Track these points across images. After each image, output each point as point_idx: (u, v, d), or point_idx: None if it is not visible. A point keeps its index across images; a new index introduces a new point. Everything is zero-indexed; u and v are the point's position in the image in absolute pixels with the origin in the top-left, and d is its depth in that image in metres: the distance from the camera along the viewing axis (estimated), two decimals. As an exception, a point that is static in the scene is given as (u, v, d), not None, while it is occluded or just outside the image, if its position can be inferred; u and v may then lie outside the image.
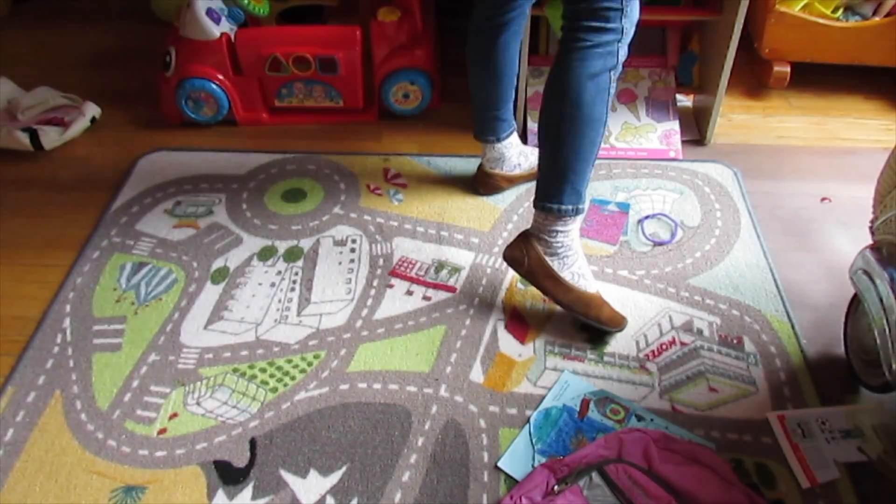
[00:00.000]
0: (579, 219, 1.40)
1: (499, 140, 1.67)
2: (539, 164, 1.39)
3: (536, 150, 1.75)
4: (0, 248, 1.63)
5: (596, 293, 1.44)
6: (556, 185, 1.36)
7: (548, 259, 1.41)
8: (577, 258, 1.42)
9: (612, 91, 1.30)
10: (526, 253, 1.43)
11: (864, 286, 1.24)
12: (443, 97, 2.06)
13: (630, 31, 1.27)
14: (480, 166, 1.75)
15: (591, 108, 1.28)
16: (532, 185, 1.78)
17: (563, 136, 1.31)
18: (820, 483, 1.21)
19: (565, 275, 1.41)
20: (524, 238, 1.44)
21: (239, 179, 1.81)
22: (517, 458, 1.24)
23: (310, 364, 1.40)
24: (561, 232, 1.39)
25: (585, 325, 1.45)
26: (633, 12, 1.26)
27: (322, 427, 1.29)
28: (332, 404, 1.33)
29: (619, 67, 1.29)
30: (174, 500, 1.19)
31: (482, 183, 1.75)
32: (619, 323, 1.43)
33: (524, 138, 1.90)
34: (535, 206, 1.40)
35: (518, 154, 1.72)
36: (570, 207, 1.36)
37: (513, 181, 1.75)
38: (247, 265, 1.59)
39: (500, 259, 1.59)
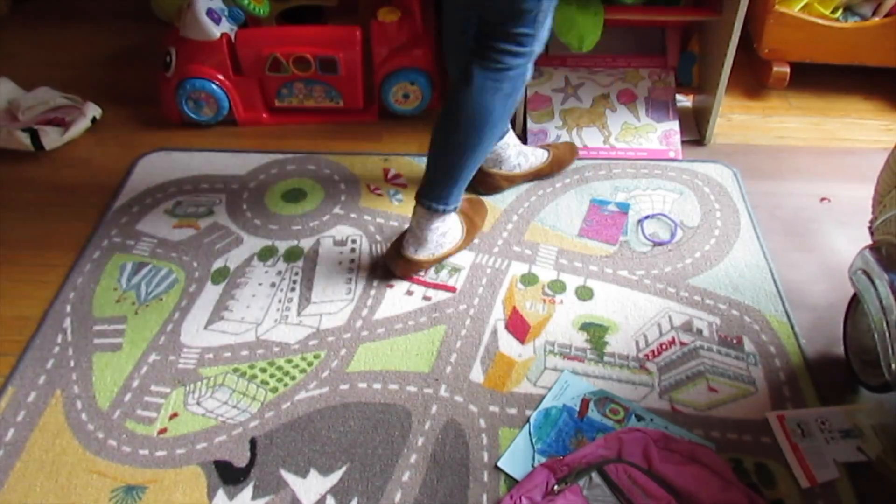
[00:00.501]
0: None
1: None
2: (431, 164, 1.45)
3: (536, 150, 1.74)
4: (0, 248, 1.64)
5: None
6: (446, 187, 1.44)
7: (416, 252, 1.51)
8: (446, 245, 1.54)
9: (518, 100, 1.40)
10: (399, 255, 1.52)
11: (864, 286, 1.24)
12: (443, 97, 2.06)
13: (538, 50, 1.32)
14: (480, 166, 1.75)
15: (497, 124, 1.37)
16: (533, 185, 1.78)
17: (464, 145, 1.39)
18: (819, 483, 1.21)
19: (424, 255, 1.51)
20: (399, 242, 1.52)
21: (239, 179, 1.81)
22: (517, 458, 1.24)
23: (310, 364, 1.40)
24: (440, 227, 1.49)
25: (585, 325, 1.46)
26: (544, 33, 1.30)
27: (322, 427, 1.29)
28: (332, 404, 1.33)
29: (529, 79, 1.36)
30: (174, 500, 1.19)
31: (482, 182, 1.75)
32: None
33: (524, 138, 1.90)
34: (418, 202, 1.46)
35: (517, 154, 1.72)
36: (452, 207, 1.47)
37: (513, 181, 1.75)
38: (247, 265, 1.59)
39: (500, 259, 1.59)
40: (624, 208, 1.73)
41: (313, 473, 1.23)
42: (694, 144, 1.93)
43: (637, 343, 1.44)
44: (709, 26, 1.89)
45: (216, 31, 1.84)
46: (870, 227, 1.35)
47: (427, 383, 1.36)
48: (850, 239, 1.65)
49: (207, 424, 1.30)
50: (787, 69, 2.00)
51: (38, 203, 1.75)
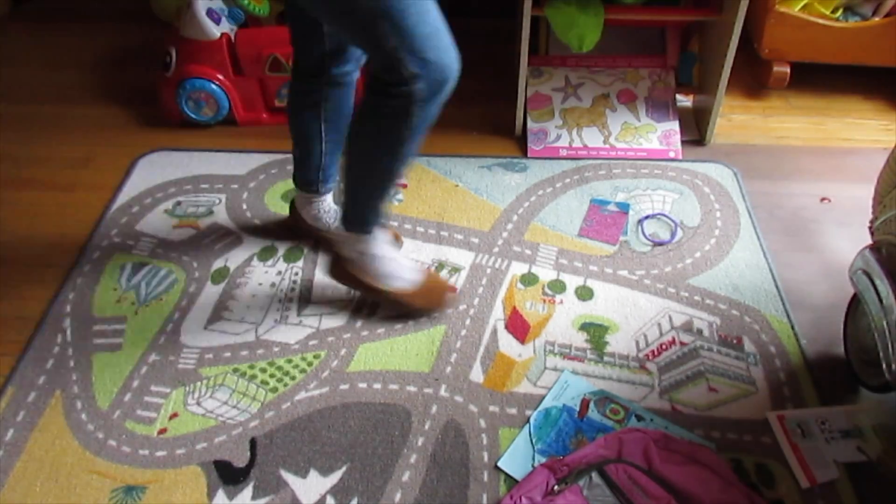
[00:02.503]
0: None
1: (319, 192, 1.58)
2: (351, 196, 1.35)
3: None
4: (0, 248, 1.64)
5: (406, 290, 1.43)
6: (371, 210, 1.34)
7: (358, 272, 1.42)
8: (383, 262, 1.41)
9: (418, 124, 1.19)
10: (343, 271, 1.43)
11: (864, 286, 1.24)
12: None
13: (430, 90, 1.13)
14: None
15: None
16: (533, 185, 1.78)
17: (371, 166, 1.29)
18: (819, 483, 1.21)
19: (370, 280, 1.41)
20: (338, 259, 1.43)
21: (239, 179, 1.81)
22: (517, 458, 1.24)
23: (310, 364, 1.40)
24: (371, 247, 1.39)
25: (585, 325, 1.46)
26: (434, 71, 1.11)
27: (322, 427, 1.29)
28: (332, 404, 1.33)
29: (426, 111, 1.17)
30: (174, 500, 1.19)
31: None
32: (434, 305, 1.46)
33: (524, 138, 1.90)
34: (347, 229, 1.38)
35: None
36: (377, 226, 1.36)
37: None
38: (247, 265, 1.59)
39: (500, 259, 1.59)
40: (624, 208, 1.73)
41: (313, 473, 1.23)
42: (694, 144, 1.93)
43: (637, 343, 1.44)
44: (709, 26, 1.89)
45: (216, 31, 1.84)
46: (870, 227, 1.35)
47: (427, 383, 1.36)
48: (850, 239, 1.65)
49: (207, 424, 1.30)
50: (787, 69, 2.01)
51: (37, 203, 1.75)
